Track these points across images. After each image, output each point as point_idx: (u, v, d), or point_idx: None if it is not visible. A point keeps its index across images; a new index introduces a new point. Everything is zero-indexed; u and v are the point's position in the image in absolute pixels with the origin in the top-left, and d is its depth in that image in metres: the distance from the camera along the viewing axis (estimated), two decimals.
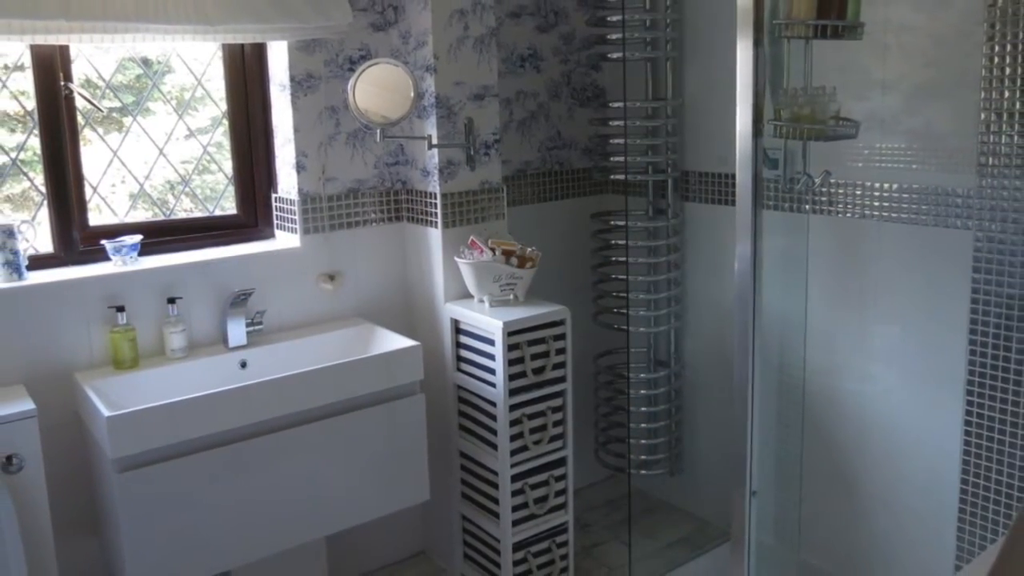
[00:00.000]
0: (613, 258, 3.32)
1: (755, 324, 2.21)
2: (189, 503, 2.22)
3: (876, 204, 2.56)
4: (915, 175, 2.46)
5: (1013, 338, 2.23)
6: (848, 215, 2.63)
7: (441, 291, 2.86)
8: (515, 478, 2.74)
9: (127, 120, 2.69)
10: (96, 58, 2.61)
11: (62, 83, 2.48)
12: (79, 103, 2.54)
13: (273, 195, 2.89)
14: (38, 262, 2.49)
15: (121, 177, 2.70)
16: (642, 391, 3.33)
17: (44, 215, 2.53)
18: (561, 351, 2.76)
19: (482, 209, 2.89)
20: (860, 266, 2.64)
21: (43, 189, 2.52)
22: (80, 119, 2.56)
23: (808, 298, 2.74)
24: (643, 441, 3.36)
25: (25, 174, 2.53)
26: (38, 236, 2.52)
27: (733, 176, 2.18)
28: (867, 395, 2.68)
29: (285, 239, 2.86)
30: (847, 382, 2.72)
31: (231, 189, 2.88)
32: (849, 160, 2.59)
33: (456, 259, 2.78)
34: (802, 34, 2.23)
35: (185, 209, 2.84)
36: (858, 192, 2.59)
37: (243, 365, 2.60)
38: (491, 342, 2.67)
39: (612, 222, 3.33)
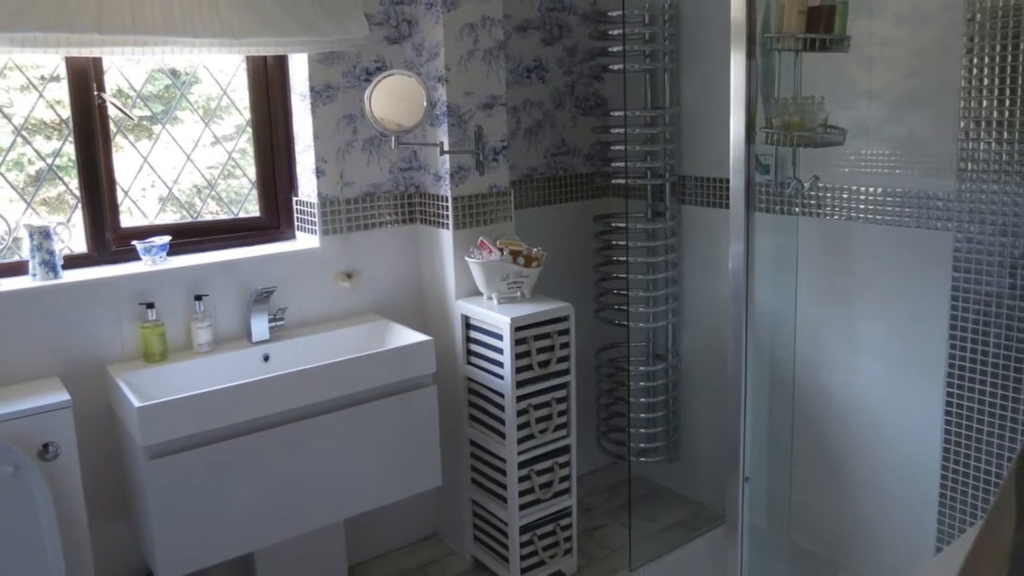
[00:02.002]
0: (614, 258, 3.33)
1: (748, 320, 2.21)
2: (215, 488, 2.23)
3: (862, 207, 2.56)
4: (899, 179, 2.46)
5: (991, 333, 2.23)
6: (835, 217, 2.63)
7: (452, 289, 2.86)
8: (522, 465, 2.75)
9: (156, 128, 2.70)
10: (127, 69, 2.62)
11: (95, 93, 2.49)
12: (111, 112, 2.55)
13: (294, 198, 2.90)
14: (73, 261, 2.50)
15: (151, 181, 2.71)
16: (641, 383, 3.34)
17: (78, 217, 2.55)
18: (565, 345, 2.77)
19: (491, 212, 2.89)
20: (847, 265, 2.64)
21: (77, 193, 2.53)
22: (112, 127, 2.57)
23: (798, 295, 2.74)
24: (642, 430, 3.36)
25: (60, 179, 2.54)
26: (73, 237, 2.53)
27: (727, 180, 2.18)
28: (853, 387, 2.68)
29: (305, 240, 2.87)
30: (835, 375, 2.72)
31: (254, 193, 2.89)
32: (836, 165, 2.59)
33: (466, 259, 2.79)
34: (792, 47, 2.24)
35: (211, 212, 2.85)
36: (845, 195, 2.59)
37: (266, 358, 2.61)
38: (499, 337, 2.67)
39: (613, 224, 3.33)
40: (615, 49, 3.18)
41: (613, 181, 3.40)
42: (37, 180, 2.52)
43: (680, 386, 3.38)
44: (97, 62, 2.49)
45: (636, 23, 3.11)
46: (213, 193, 2.84)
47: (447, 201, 2.80)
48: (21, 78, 2.46)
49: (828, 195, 2.64)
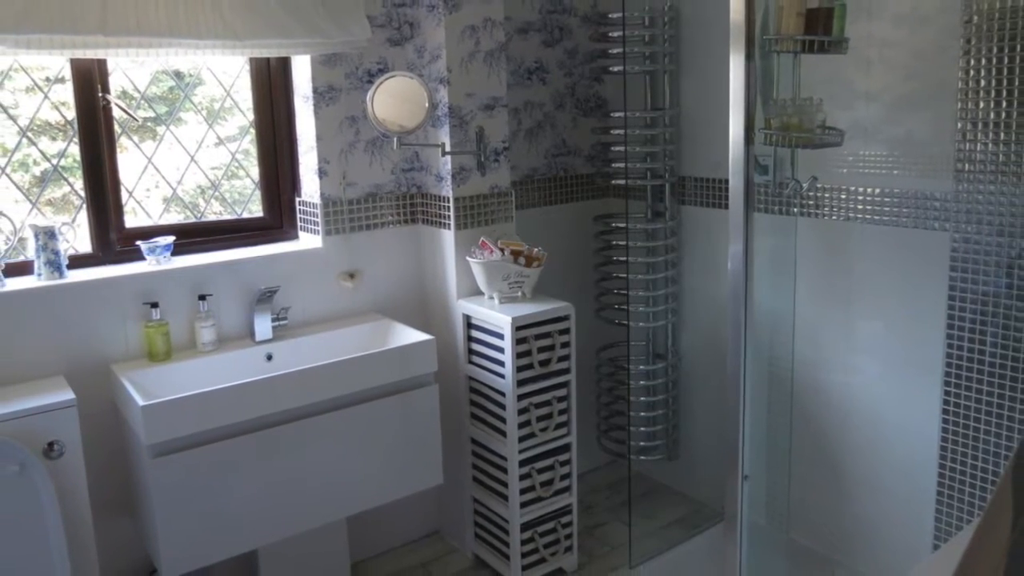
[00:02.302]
0: (614, 258, 3.33)
1: (747, 319, 2.21)
2: (218, 486, 2.24)
3: (860, 207, 2.56)
4: (896, 180, 2.47)
5: (987, 332, 2.23)
6: (834, 217, 2.63)
7: (454, 288, 2.86)
8: (523, 463, 2.75)
9: (161, 129, 2.71)
10: (132, 71, 2.62)
11: (100, 94, 2.50)
12: (116, 113, 2.56)
13: (297, 199, 2.90)
14: (77, 261, 2.50)
15: (155, 182, 2.71)
16: (641, 382, 3.34)
17: (83, 218, 2.55)
18: (566, 344, 2.77)
19: (492, 212, 2.89)
20: (845, 265, 2.64)
21: (82, 193, 2.54)
22: (117, 128, 2.57)
23: (796, 295, 2.74)
24: (642, 428, 3.36)
25: (66, 179, 2.55)
26: (78, 237, 2.53)
27: (726, 181, 2.19)
28: (851, 386, 2.68)
29: (308, 240, 2.87)
30: (833, 373, 2.73)
31: (258, 193, 2.89)
32: (835, 166, 2.59)
33: (468, 259, 2.79)
34: (791, 48, 2.24)
35: (215, 212, 2.85)
36: (843, 196, 2.60)
37: (269, 358, 2.62)
38: (500, 336, 2.68)
39: (613, 224, 3.33)
40: (615, 51, 3.18)
41: (613, 182, 3.40)
42: (42, 181, 2.52)
43: (680, 385, 3.38)
44: (102, 64, 2.49)
45: (636, 25, 3.11)
46: (217, 193, 2.85)
47: (449, 201, 2.81)
48: (26, 80, 2.46)
49: (826, 196, 2.64)
